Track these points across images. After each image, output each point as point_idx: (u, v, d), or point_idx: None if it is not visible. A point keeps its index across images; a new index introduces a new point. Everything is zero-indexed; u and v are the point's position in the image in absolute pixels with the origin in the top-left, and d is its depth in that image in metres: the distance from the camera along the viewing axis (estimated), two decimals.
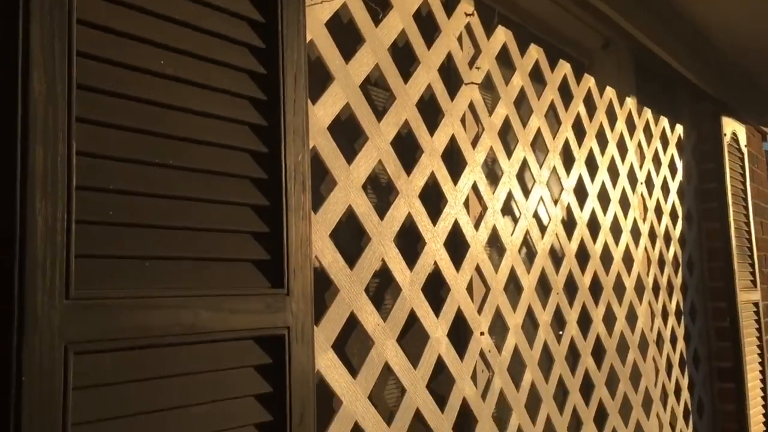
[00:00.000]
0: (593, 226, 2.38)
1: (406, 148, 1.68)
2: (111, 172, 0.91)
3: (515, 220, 2.02)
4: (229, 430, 1.00)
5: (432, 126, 1.72)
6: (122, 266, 0.90)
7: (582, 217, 2.32)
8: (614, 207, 2.52)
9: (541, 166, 2.14)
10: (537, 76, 2.18)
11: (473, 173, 1.83)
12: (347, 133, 1.55)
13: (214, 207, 1.03)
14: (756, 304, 3.35)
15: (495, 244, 2.02)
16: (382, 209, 1.54)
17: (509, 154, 2.00)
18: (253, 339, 1.06)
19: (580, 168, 2.34)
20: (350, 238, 1.56)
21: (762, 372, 3.31)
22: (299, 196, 1.14)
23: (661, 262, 2.84)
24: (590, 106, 2.45)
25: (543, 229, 2.12)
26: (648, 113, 2.85)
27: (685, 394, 2.88)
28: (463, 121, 1.84)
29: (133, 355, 0.90)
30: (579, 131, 2.37)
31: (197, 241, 1.00)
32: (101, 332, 0.85)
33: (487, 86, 2.00)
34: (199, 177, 1.02)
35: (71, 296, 0.83)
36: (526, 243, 2.07)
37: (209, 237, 1.02)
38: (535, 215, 2.10)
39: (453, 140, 1.78)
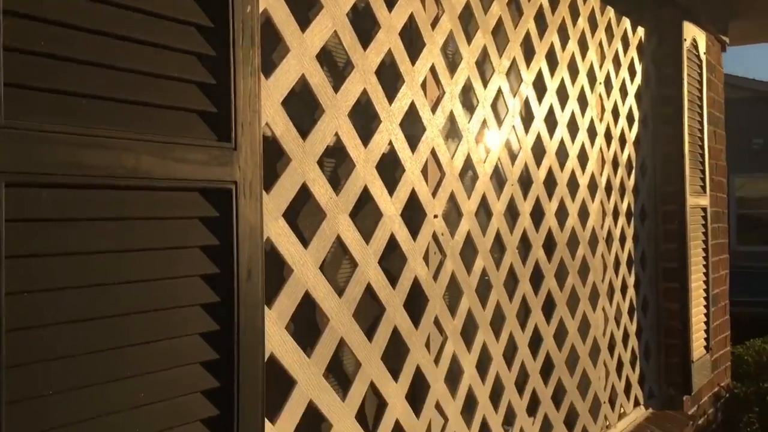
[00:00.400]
0: (550, 121, 2.38)
1: (363, 25, 1.63)
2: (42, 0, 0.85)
3: (473, 109, 2.00)
4: (175, 278, 0.99)
5: (390, 3, 1.66)
6: (57, 101, 0.86)
7: (540, 112, 2.31)
8: (572, 104, 2.52)
9: (501, 56, 2.11)
10: None
11: (432, 55, 1.79)
12: (302, 3, 1.49)
13: (156, 51, 0.98)
14: (704, 209, 3.44)
15: (453, 133, 2.00)
16: (337, 89, 1.50)
17: (469, 40, 1.97)
18: (199, 191, 1.03)
19: (540, 62, 2.31)
20: (304, 112, 1.52)
21: (706, 274, 3.43)
22: (248, 49, 1.10)
23: (615, 163, 2.87)
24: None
25: (500, 120, 2.11)
26: (611, 12, 2.82)
27: (631, 292, 2.98)
28: (422, 0, 1.79)
29: (73, 194, 0.87)
30: (541, 24, 2.33)
31: (139, 85, 0.96)
32: (35, 165, 0.82)
33: None
34: (140, 18, 0.96)
35: (1, 124, 0.78)
36: (483, 133, 2.06)
37: (151, 83, 0.98)
38: (494, 105, 2.08)
39: (411, 19, 1.74)
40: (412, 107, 1.73)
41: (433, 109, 1.81)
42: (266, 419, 1.17)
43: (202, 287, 1.03)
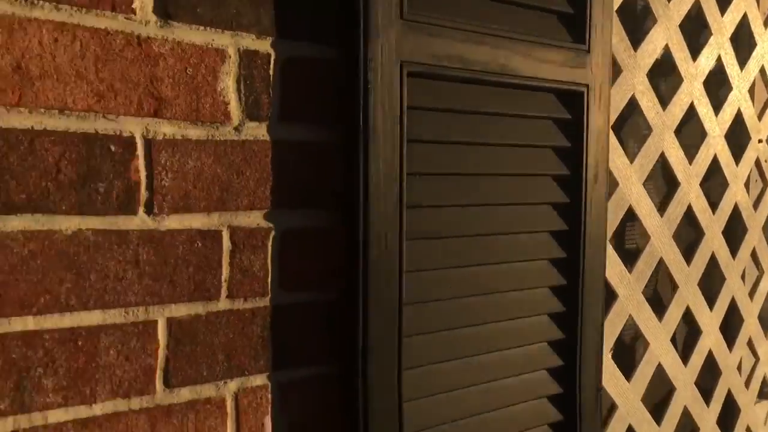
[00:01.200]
0: None
1: None
2: None
3: None
4: (529, 176, 1.03)
5: None
6: None
7: None
8: None
9: None
10: None
11: None
12: None
13: None
14: None
15: None
16: None
17: None
18: (554, 92, 1.05)
19: None
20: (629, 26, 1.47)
21: None
22: None
23: None
24: None
25: None
26: None
27: None
28: None
29: (455, 87, 0.93)
30: None
31: None
32: (429, 56, 0.88)
33: None
34: None
35: (405, 16, 0.86)
36: None
37: None
38: None
39: None
40: (745, 20, 1.59)
41: (766, 23, 1.64)
42: None
43: (553, 187, 1.06)
